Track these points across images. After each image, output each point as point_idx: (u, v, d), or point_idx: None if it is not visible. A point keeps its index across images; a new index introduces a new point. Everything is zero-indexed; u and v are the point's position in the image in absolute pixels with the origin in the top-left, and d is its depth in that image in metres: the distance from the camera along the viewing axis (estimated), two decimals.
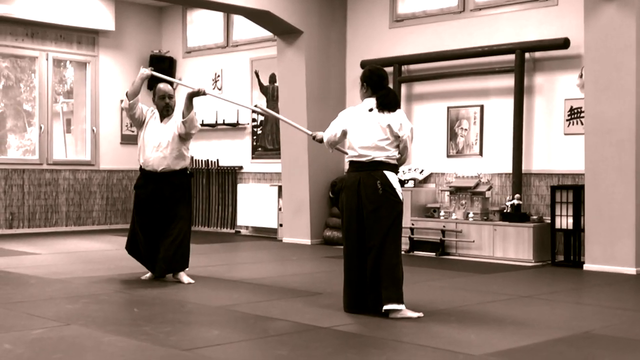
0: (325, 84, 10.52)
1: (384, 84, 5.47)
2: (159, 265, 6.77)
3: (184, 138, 6.84)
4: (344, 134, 5.52)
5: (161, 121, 6.89)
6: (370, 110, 5.39)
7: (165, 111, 6.89)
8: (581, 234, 8.23)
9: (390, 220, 5.28)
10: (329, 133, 5.63)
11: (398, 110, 5.41)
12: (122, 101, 6.86)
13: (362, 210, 5.32)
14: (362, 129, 5.38)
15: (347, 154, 5.55)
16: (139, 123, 6.94)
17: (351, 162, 5.46)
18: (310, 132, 6.18)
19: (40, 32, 11.83)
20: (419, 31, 9.97)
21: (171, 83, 7.11)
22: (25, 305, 5.57)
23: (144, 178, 6.88)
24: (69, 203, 12.10)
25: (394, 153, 5.36)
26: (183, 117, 6.77)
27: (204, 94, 6.82)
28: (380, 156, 5.32)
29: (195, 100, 6.88)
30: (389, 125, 5.32)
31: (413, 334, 4.78)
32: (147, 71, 6.88)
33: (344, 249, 5.48)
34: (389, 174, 5.31)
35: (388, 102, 5.37)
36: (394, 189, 5.29)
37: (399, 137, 5.34)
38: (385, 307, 5.21)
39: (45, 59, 11.89)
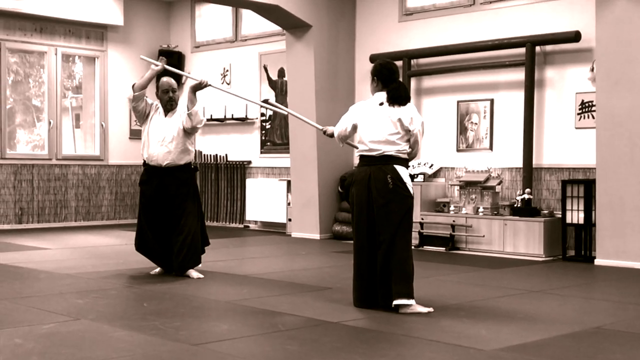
0: (334, 78, 10.49)
1: (395, 78, 5.44)
2: (175, 266, 6.76)
3: (189, 132, 6.81)
4: (355, 128, 5.50)
5: (165, 115, 6.85)
6: (381, 104, 5.37)
7: (169, 105, 6.83)
8: (592, 228, 8.19)
9: (401, 215, 5.25)
10: (340, 127, 5.61)
11: (409, 104, 5.38)
12: (133, 92, 6.81)
13: (372, 204, 5.30)
14: (372, 123, 5.35)
15: (357, 148, 5.52)
16: (142, 116, 6.88)
17: (361, 157, 5.44)
18: (320, 127, 6.16)
19: (49, 27, 11.83)
20: (429, 25, 9.92)
21: (177, 77, 7.03)
22: (35, 300, 5.57)
23: (147, 173, 6.84)
24: (78, 198, 12.11)
25: (404, 147, 5.33)
26: (188, 110, 6.73)
27: (207, 85, 6.77)
28: (390, 150, 5.30)
29: (201, 93, 6.82)
30: (399, 119, 5.29)
31: (423, 329, 4.76)
32: (159, 66, 6.84)
33: (354, 243, 5.46)
34: (399, 168, 5.28)
35: (399, 96, 5.34)
36: (404, 183, 5.27)
37: (409, 131, 5.31)
38: (395, 302, 5.18)
39: (54, 54, 11.89)
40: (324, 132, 5.96)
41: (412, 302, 5.20)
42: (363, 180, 5.34)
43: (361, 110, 5.49)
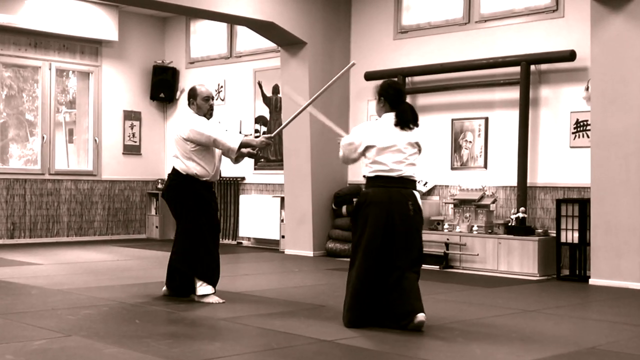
0: (328, 96, 10.46)
1: (403, 99, 5.43)
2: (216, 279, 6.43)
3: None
4: (367, 149, 5.34)
5: None
6: (396, 125, 5.33)
7: (210, 114, 6.43)
8: (587, 248, 8.17)
9: (419, 242, 5.37)
10: (347, 149, 5.45)
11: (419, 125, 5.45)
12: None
13: (392, 229, 5.22)
14: (392, 143, 5.28)
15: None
16: None
17: (377, 177, 5.32)
18: (343, 133, 5.80)
19: (44, 42, 11.82)
20: (424, 42, 9.94)
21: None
22: (27, 316, 5.52)
23: (195, 187, 6.27)
24: (70, 213, 12.06)
25: (418, 168, 5.36)
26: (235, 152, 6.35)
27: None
28: (409, 172, 5.31)
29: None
30: (417, 142, 5.37)
31: (417, 348, 4.73)
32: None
33: (359, 263, 5.29)
34: (417, 194, 5.35)
35: (412, 118, 5.38)
36: (421, 210, 5.35)
37: (421, 151, 5.40)
38: (419, 318, 5.12)
39: (48, 69, 11.88)
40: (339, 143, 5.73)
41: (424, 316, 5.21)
42: (382, 202, 5.25)
43: (374, 132, 5.36)
